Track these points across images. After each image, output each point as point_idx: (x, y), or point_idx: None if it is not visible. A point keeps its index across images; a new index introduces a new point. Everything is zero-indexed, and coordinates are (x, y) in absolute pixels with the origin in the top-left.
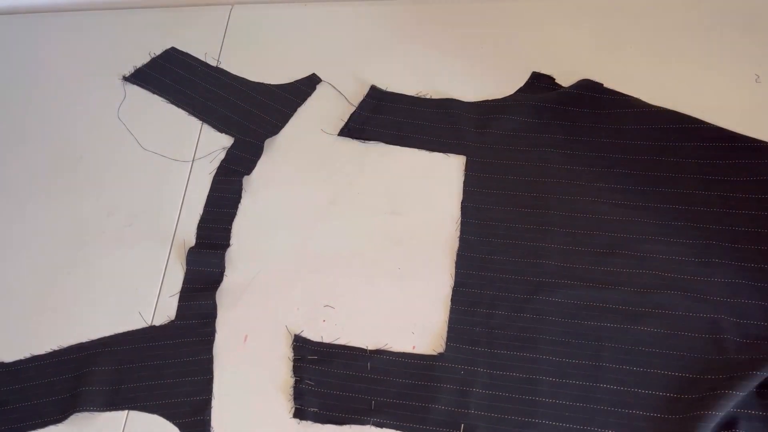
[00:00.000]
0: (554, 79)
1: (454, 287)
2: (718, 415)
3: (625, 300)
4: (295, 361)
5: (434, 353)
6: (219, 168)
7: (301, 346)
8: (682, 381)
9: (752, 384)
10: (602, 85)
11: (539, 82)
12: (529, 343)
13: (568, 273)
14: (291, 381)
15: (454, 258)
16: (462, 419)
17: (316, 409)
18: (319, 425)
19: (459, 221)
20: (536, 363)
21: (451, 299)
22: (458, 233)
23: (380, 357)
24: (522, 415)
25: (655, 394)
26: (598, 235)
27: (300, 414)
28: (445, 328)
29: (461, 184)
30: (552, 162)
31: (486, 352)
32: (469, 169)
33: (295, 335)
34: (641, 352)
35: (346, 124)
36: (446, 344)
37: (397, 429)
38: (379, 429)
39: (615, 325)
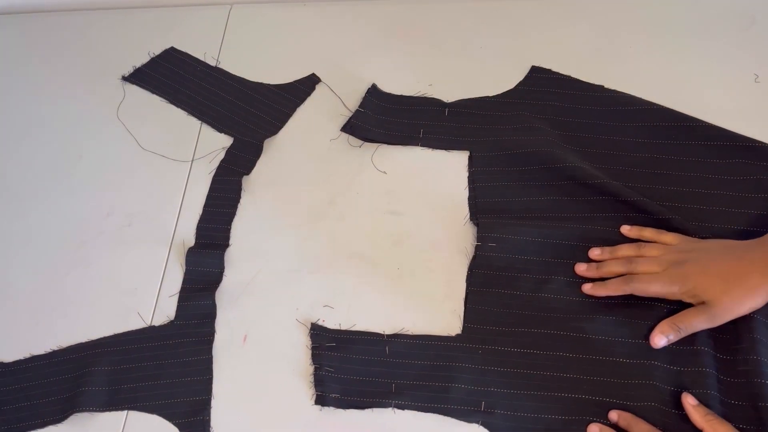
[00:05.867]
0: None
1: (470, 269)
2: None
3: None
4: (313, 348)
5: (451, 335)
6: (218, 168)
7: (318, 334)
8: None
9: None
10: (602, 86)
11: (539, 74)
12: (547, 321)
13: (585, 254)
14: (310, 369)
15: (460, 252)
16: (483, 397)
17: (337, 395)
18: (322, 418)
19: (467, 215)
20: (553, 339)
21: (467, 281)
22: (467, 222)
23: (397, 341)
24: (542, 390)
25: (669, 368)
26: (613, 216)
27: (321, 400)
28: (445, 326)
29: (463, 181)
30: (558, 148)
31: (503, 331)
32: (474, 164)
33: (312, 324)
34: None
35: (349, 121)
36: (463, 325)
37: (418, 410)
38: (400, 411)
39: (631, 301)
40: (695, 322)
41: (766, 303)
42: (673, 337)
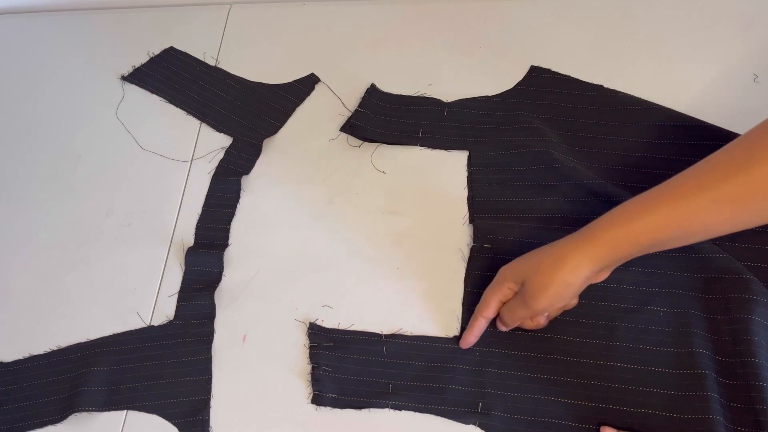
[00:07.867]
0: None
1: (467, 270)
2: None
3: (638, 281)
4: (311, 348)
5: (449, 336)
6: (217, 168)
7: (316, 333)
8: (694, 357)
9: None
10: (602, 86)
11: (538, 74)
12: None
13: None
14: (308, 368)
15: (459, 252)
16: (479, 399)
17: (334, 395)
18: (320, 418)
19: (466, 215)
20: (551, 343)
21: (465, 282)
22: (465, 222)
23: (395, 341)
24: (538, 393)
25: (667, 372)
26: None
27: (318, 400)
28: (444, 327)
29: (462, 181)
30: (557, 148)
31: (501, 333)
32: (472, 164)
33: (310, 323)
34: (653, 331)
35: (348, 120)
36: (461, 326)
37: (415, 411)
38: (397, 411)
39: (628, 305)
40: (515, 308)
41: (583, 283)
42: (505, 329)
